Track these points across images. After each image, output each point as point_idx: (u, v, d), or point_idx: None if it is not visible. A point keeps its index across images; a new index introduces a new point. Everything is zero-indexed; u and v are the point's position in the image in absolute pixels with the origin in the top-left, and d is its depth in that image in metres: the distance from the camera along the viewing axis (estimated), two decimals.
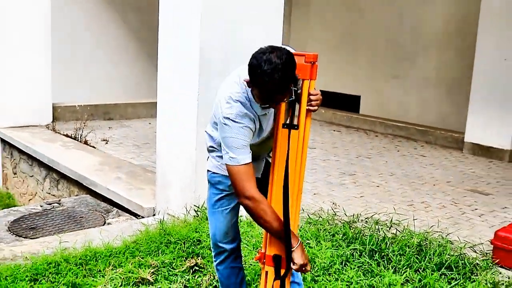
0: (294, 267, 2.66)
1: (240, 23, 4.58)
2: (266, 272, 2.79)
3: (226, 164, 2.64)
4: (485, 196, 6.01)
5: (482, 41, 7.84)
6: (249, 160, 2.61)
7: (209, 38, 4.44)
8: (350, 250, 4.05)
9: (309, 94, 2.64)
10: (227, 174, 2.77)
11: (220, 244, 3.05)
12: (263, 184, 2.89)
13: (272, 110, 2.70)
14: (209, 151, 2.97)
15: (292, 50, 2.58)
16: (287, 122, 2.66)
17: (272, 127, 2.77)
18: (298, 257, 2.61)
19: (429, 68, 9.40)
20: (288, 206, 2.63)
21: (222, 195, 2.96)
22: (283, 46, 2.55)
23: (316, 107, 2.66)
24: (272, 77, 2.41)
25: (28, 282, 3.51)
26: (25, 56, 8.20)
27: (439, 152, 8.19)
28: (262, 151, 2.90)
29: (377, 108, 10.20)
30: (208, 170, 3.01)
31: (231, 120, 2.59)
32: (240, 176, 2.60)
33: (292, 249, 2.60)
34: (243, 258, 3.27)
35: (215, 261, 3.15)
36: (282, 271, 2.73)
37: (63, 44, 9.95)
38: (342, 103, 10.58)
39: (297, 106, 2.71)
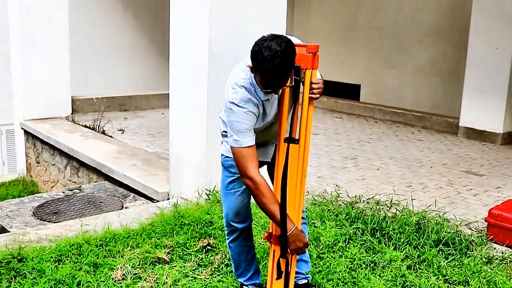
0: (290, 252, 2.66)
1: (246, 21, 4.53)
2: (274, 251, 2.80)
3: (230, 146, 2.66)
4: (479, 177, 5.98)
5: (475, 31, 7.77)
6: (252, 143, 2.62)
7: (216, 34, 4.41)
8: (353, 229, 4.04)
9: (311, 83, 2.63)
10: None
11: (233, 223, 3.06)
12: (273, 168, 2.89)
13: (275, 95, 2.69)
14: (223, 135, 2.97)
15: (297, 40, 2.57)
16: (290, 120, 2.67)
17: (277, 112, 2.76)
18: (290, 243, 2.64)
19: (424, 58, 9.33)
20: (285, 197, 2.65)
21: (234, 177, 2.96)
22: (284, 35, 2.54)
23: (318, 95, 2.65)
24: (272, 63, 2.42)
25: (53, 262, 3.52)
26: (45, 52, 8.19)
27: (435, 137, 8.14)
28: (269, 136, 2.88)
29: (376, 96, 10.15)
30: (221, 154, 3.01)
31: (235, 104, 2.61)
32: (243, 157, 2.62)
33: (288, 234, 2.61)
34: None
35: (227, 239, 3.15)
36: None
37: (81, 41, 9.97)
38: (343, 91, 10.54)
39: (300, 94, 2.70)
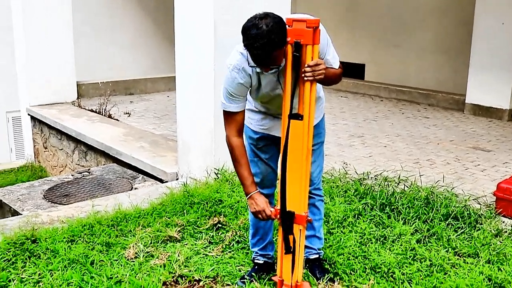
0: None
1: (252, 2, 4.48)
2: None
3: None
4: (486, 152, 5.98)
5: (480, 6, 7.69)
6: (235, 110, 2.79)
7: (221, 16, 4.39)
8: (362, 204, 4.06)
9: (307, 65, 2.58)
10: (252, 129, 2.99)
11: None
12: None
13: (275, 69, 2.67)
14: None
15: (308, 16, 2.55)
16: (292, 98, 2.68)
17: (280, 86, 2.76)
18: (249, 205, 2.81)
19: (429, 35, 9.24)
20: (285, 173, 2.71)
21: (250, 147, 3.04)
22: (274, 13, 2.53)
23: (311, 78, 2.59)
24: (256, 42, 2.46)
25: (66, 242, 3.57)
26: (49, 38, 8.17)
27: (441, 114, 8.12)
28: (277, 110, 2.86)
29: (380, 76, 10.10)
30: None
31: (229, 70, 2.73)
32: (225, 119, 2.85)
33: (247, 196, 2.80)
34: None
35: None
36: (297, 226, 2.75)
37: (85, 26, 9.94)
38: (348, 71, 10.41)
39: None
